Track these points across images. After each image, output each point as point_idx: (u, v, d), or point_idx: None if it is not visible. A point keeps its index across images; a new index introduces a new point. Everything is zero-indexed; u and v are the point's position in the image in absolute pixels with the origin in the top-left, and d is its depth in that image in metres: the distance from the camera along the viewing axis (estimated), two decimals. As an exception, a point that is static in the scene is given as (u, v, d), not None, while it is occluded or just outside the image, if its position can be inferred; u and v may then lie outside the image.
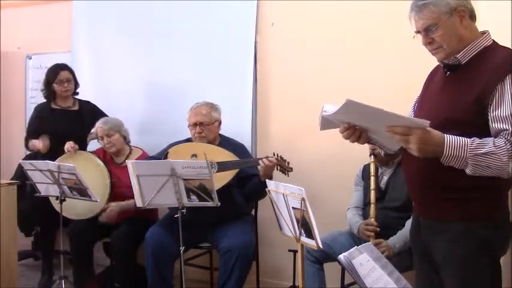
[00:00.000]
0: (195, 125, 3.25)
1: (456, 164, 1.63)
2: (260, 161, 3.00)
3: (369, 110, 1.65)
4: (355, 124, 1.79)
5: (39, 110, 3.84)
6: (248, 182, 3.15)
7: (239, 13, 3.71)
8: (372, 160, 2.76)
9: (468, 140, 1.62)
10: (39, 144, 3.60)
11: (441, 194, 1.76)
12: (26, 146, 3.77)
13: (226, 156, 3.09)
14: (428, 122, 1.62)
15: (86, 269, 3.46)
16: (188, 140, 3.35)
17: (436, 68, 1.95)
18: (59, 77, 3.71)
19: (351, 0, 3.34)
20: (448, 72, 1.82)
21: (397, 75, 3.19)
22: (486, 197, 1.72)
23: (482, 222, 1.72)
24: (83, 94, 3.91)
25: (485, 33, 1.79)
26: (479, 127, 1.67)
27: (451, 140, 1.62)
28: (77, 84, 3.84)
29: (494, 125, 1.65)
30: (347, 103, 1.65)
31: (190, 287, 3.13)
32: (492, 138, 1.63)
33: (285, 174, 3.06)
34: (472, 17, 1.78)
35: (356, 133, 1.80)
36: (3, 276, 3.09)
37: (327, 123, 1.85)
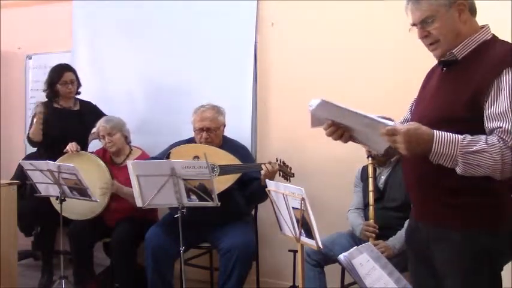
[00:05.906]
0: (201, 129, 3.21)
1: (446, 162, 1.54)
2: (263, 165, 2.96)
3: (343, 111, 1.62)
4: (339, 122, 1.73)
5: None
6: (249, 185, 3.13)
7: (239, 13, 3.71)
8: (370, 162, 2.76)
9: (459, 137, 1.53)
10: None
11: (440, 198, 1.68)
12: (29, 139, 3.68)
13: (229, 159, 3.07)
14: (393, 122, 1.57)
15: (86, 269, 3.46)
16: (190, 140, 3.33)
17: (435, 67, 1.88)
18: (63, 78, 3.69)
19: (351, 0, 3.34)
20: (445, 69, 1.75)
21: (398, 75, 3.18)
22: (487, 203, 1.62)
23: (483, 230, 1.63)
24: (83, 94, 3.90)
25: (484, 27, 1.70)
26: (476, 125, 1.58)
27: (440, 136, 1.53)
28: (79, 85, 3.83)
29: (489, 123, 1.56)
30: (321, 103, 1.62)
31: (190, 287, 3.13)
32: (485, 136, 1.54)
33: (287, 180, 3.01)
34: (472, 11, 1.70)
35: (338, 131, 1.73)
36: (3, 276, 3.09)
37: (316, 120, 1.81)
